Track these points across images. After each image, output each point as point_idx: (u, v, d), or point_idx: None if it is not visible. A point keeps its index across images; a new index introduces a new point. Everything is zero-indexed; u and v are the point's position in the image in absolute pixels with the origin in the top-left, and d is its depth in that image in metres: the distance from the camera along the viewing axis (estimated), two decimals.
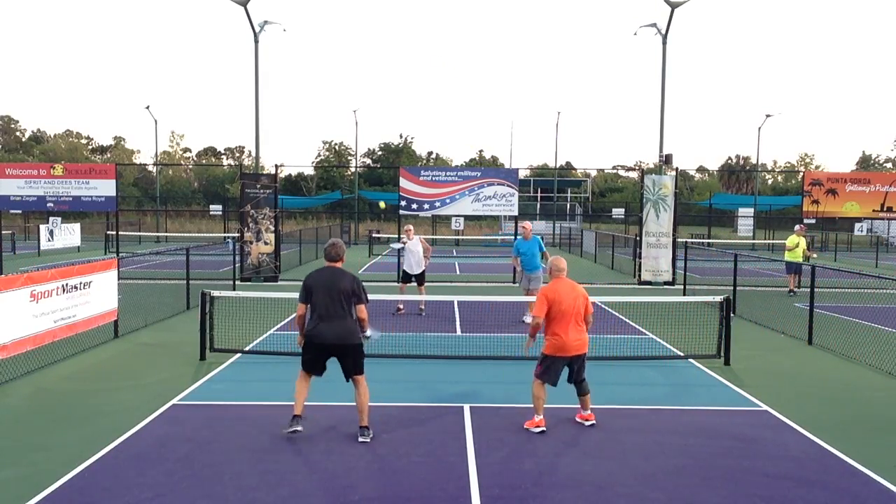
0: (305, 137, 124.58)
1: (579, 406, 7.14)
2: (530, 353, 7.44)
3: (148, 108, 47.95)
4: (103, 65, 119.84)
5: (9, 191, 19.82)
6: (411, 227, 14.56)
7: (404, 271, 14.22)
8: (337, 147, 77.68)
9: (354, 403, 6.61)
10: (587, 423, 7.04)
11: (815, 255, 17.46)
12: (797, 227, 18.38)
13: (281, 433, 6.55)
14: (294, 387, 6.66)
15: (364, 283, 6.68)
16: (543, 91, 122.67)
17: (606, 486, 5.55)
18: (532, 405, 6.92)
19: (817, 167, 76.26)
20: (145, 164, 73.19)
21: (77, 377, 8.77)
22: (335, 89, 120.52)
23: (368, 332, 6.60)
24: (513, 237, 23.28)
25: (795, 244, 18.02)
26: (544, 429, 6.83)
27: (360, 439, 6.42)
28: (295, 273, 22.34)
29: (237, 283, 18.64)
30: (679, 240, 21.31)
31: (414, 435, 6.67)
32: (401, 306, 13.96)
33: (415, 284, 14.03)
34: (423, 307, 14.09)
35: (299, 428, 6.46)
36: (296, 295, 6.75)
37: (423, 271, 14.07)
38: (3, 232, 23.76)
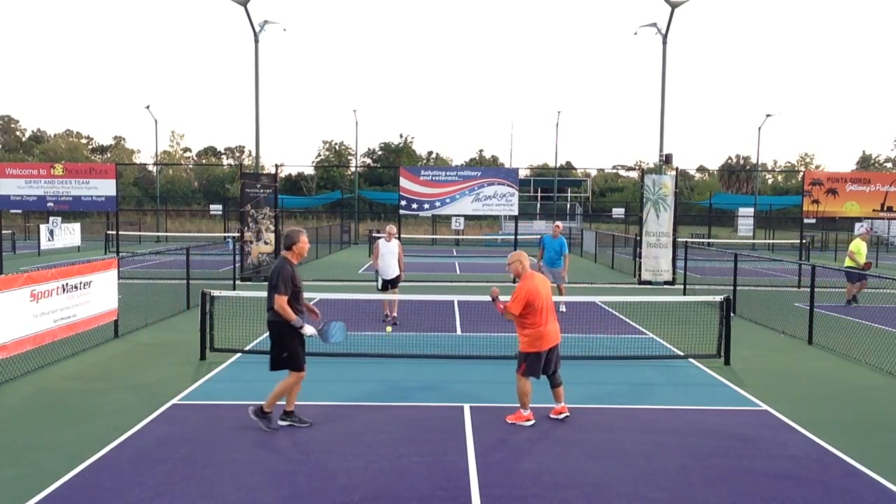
0: (305, 137, 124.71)
1: (554, 401, 7.27)
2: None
3: (148, 107, 47.97)
4: (103, 65, 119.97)
5: (9, 190, 19.81)
6: (393, 226, 13.09)
7: (383, 279, 12.72)
8: (337, 147, 77.68)
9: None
10: (561, 417, 7.16)
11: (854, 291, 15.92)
12: (862, 229, 16.47)
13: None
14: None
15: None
16: (543, 91, 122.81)
17: (606, 485, 5.55)
18: (518, 403, 7.10)
19: (817, 167, 76.26)
20: (145, 164, 73.24)
21: (77, 377, 8.77)
22: (335, 89, 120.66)
23: None
24: (512, 237, 23.39)
25: (858, 249, 15.97)
26: (534, 421, 7.00)
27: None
28: None
29: (237, 282, 18.62)
30: (679, 239, 21.30)
31: (414, 435, 6.67)
32: (392, 314, 12.79)
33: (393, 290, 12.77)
34: (394, 315, 12.75)
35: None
36: None
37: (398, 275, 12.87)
38: (3, 232, 23.74)
